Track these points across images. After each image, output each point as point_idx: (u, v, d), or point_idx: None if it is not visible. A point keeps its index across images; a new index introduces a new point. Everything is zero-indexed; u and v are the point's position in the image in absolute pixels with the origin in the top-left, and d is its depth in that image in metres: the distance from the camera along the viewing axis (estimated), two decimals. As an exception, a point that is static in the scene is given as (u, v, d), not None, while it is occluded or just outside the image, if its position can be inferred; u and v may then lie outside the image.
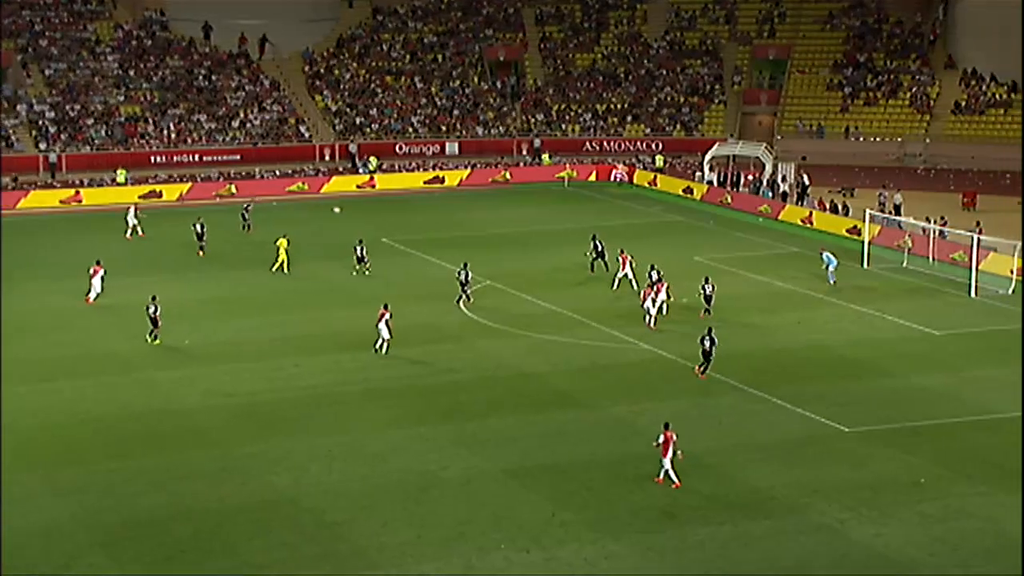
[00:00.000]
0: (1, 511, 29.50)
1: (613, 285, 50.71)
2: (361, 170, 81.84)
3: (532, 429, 35.09)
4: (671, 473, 31.23)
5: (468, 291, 48.57)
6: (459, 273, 48.73)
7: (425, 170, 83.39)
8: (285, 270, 54.09)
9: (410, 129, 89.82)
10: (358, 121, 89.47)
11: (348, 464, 32.66)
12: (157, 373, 40.00)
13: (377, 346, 42.47)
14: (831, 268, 52.50)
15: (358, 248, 54.24)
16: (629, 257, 50.92)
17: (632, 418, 36.12)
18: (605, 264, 53.39)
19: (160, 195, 73.87)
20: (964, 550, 28.25)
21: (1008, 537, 28.80)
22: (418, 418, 36.14)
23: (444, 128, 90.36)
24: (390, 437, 34.54)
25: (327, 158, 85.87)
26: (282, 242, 54.58)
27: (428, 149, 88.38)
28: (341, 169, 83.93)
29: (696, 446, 33.57)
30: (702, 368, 40.07)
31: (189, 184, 76.11)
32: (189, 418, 36.00)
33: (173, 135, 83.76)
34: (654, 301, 45.39)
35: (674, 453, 31.30)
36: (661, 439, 31.39)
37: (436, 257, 57.72)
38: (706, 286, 47.10)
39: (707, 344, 40.02)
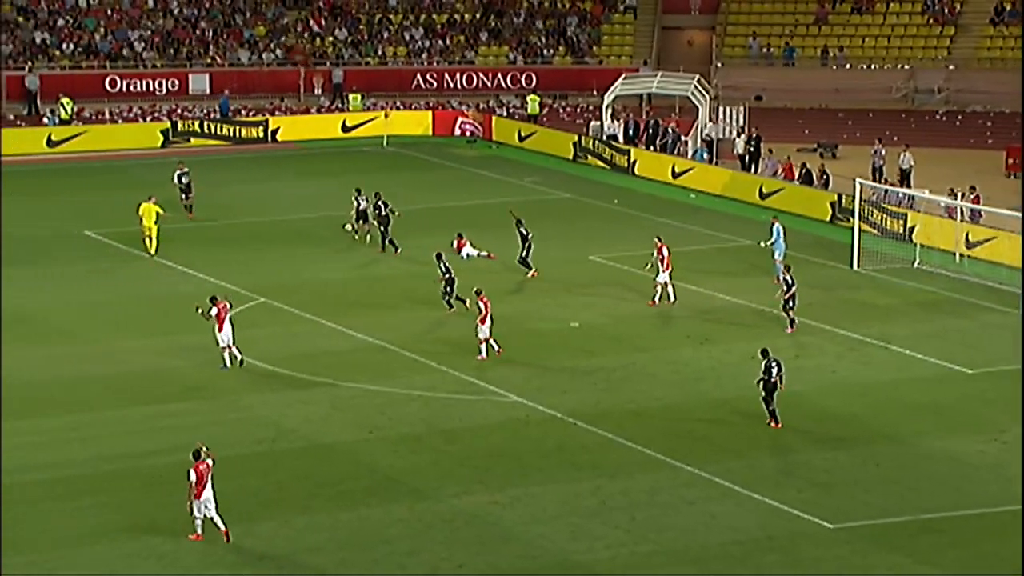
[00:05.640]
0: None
1: (655, 297, 51.99)
2: (47, 120, 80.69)
3: (341, 534, 34.99)
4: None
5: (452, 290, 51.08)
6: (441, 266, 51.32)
7: (155, 119, 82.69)
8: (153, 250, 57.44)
9: (127, 52, 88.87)
10: (38, 39, 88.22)
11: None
12: None
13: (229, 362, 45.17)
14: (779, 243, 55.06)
15: (360, 199, 58.33)
16: (666, 248, 52.15)
17: (496, 513, 36.30)
18: (526, 263, 54.97)
19: None
20: None
21: None
22: (141, 524, 35.61)
23: (185, 51, 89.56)
24: (91, 556, 34.04)
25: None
26: (148, 207, 57.41)
27: (160, 85, 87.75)
28: (13, 117, 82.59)
29: (597, 555, 33.91)
30: (770, 410, 41.82)
31: None
32: None
33: None
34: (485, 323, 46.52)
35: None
36: (193, 476, 34.22)
37: (172, 260, 57.53)
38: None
39: (775, 372, 41.45)
